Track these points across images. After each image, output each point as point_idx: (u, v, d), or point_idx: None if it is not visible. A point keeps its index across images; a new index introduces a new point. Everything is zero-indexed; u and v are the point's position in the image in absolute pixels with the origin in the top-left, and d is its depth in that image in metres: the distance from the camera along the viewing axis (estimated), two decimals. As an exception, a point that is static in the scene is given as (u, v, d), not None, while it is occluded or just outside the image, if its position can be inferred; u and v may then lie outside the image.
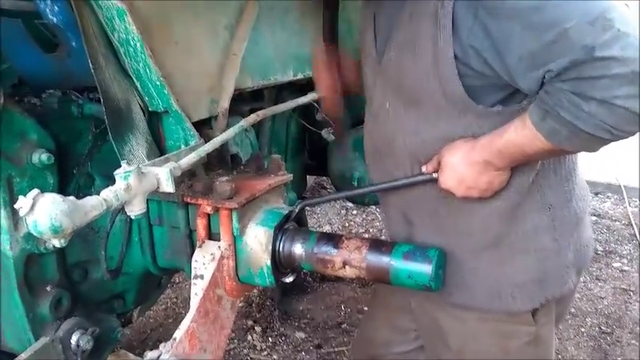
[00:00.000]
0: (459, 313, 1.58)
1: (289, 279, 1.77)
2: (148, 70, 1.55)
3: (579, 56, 1.07)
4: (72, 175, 1.81)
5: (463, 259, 1.53)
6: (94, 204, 1.25)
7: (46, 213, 1.14)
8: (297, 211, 1.74)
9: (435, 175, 1.46)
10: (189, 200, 1.66)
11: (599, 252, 4.63)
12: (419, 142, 1.47)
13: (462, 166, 1.37)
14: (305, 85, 2.73)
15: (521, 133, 1.26)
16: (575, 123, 1.14)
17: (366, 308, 3.80)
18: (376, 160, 1.69)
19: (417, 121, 1.46)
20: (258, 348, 3.42)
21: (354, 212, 5.59)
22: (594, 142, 1.18)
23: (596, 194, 5.90)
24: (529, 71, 1.18)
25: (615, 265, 4.47)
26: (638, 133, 1.14)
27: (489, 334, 1.56)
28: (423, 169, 1.47)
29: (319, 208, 5.77)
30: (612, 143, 1.18)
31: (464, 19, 1.25)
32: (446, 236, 1.53)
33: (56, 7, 1.54)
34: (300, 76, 2.40)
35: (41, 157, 1.59)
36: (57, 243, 1.21)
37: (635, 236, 4.95)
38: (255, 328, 3.56)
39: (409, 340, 1.87)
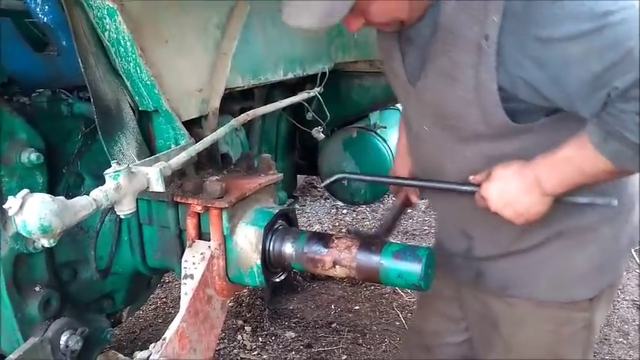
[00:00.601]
0: (513, 300, 1.58)
1: (279, 278, 1.77)
2: (138, 69, 1.54)
3: None
4: (61, 175, 1.80)
5: (523, 253, 1.52)
6: (83, 204, 1.25)
7: (35, 213, 1.14)
8: (332, 180, 1.78)
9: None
10: (179, 200, 1.66)
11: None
12: (463, 161, 1.47)
13: (511, 180, 1.34)
14: (295, 85, 2.74)
15: (579, 152, 1.25)
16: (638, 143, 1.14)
17: (357, 307, 3.81)
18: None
19: (456, 142, 1.47)
20: (248, 348, 3.42)
21: (344, 211, 5.61)
22: None
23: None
24: (592, 94, 1.17)
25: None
26: None
27: (544, 320, 1.56)
28: (471, 178, 1.44)
29: (309, 207, 5.77)
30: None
31: (511, 52, 1.24)
32: (507, 241, 1.52)
33: (46, 7, 1.54)
34: (290, 76, 2.40)
35: (30, 156, 1.59)
36: (46, 243, 1.20)
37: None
38: (245, 327, 3.56)
39: (460, 330, 1.86)
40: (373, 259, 1.56)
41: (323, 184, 1.73)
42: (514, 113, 1.32)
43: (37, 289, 1.65)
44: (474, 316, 1.75)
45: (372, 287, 4.02)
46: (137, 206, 1.46)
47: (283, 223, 1.76)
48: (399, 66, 1.55)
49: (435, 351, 1.92)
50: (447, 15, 1.33)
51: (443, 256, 1.65)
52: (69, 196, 1.24)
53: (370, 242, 1.62)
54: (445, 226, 1.75)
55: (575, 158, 1.26)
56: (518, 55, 1.23)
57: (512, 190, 1.33)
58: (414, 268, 1.51)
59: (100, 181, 1.35)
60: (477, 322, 1.77)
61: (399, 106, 4.17)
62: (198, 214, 1.65)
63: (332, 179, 1.79)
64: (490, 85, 1.29)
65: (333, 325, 3.62)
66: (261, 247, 1.64)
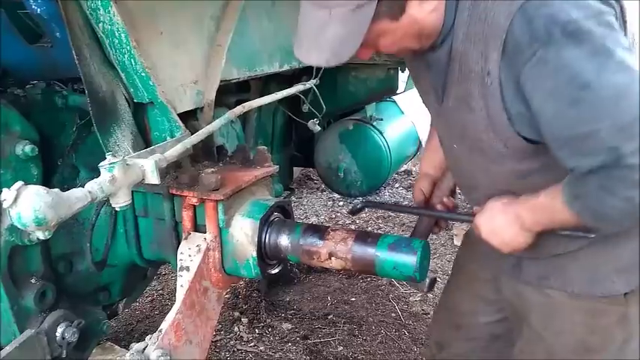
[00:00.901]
0: (549, 291, 1.60)
1: (275, 270, 1.78)
2: (133, 61, 1.54)
3: (608, 160, 1.15)
4: (56, 167, 1.80)
5: (561, 246, 1.54)
6: (78, 196, 1.25)
7: (29, 205, 1.14)
8: (357, 208, 1.88)
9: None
10: (174, 192, 1.66)
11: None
12: (495, 176, 1.52)
13: (498, 212, 1.47)
14: (291, 77, 2.73)
15: (552, 202, 1.34)
16: (600, 212, 1.24)
17: (353, 299, 3.83)
18: (469, 193, 1.73)
19: (484, 162, 1.51)
20: (244, 339, 3.42)
21: (341, 204, 5.61)
22: (610, 228, 1.38)
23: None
24: (559, 151, 1.25)
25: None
26: None
27: (578, 311, 1.58)
28: (474, 209, 1.57)
29: (306, 200, 5.78)
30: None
31: (508, 89, 1.29)
32: (548, 248, 1.56)
33: (40, -2, 1.53)
34: (286, 68, 2.40)
35: (25, 148, 1.58)
36: (41, 235, 1.20)
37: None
38: (242, 319, 3.57)
39: (493, 310, 1.88)
40: (369, 251, 1.57)
41: (348, 211, 1.84)
42: (532, 135, 1.35)
43: (33, 281, 1.66)
44: (507, 303, 1.79)
45: (368, 279, 4.02)
46: (132, 198, 1.46)
47: (279, 215, 1.77)
48: (426, 85, 1.58)
49: (464, 329, 1.95)
50: (458, 46, 1.36)
51: (481, 243, 1.68)
52: (64, 189, 1.24)
53: (366, 234, 1.63)
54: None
55: (549, 207, 1.36)
56: (514, 92, 1.28)
57: (498, 222, 1.47)
58: (409, 259, 1.51)
59: (95, 173, 1.35)
60: (509, 309, 1.81)
61: (395, 98, 4.18)
62: (194, 206, 1.65)
63: (357, 207, 1.86)
64: (500, 115, 1.34)
65: (329, 317, 3.63)
66: (257, 239, 1.64)
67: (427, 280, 1.71)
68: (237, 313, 3.62)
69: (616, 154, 1.14)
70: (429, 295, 3.82)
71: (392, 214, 5.30)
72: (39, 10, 1.55)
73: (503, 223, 1.46)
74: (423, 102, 1.70)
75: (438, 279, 1.95)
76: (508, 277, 1.72)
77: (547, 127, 1.24)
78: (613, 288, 1.52)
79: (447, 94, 1.47)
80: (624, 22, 1.30)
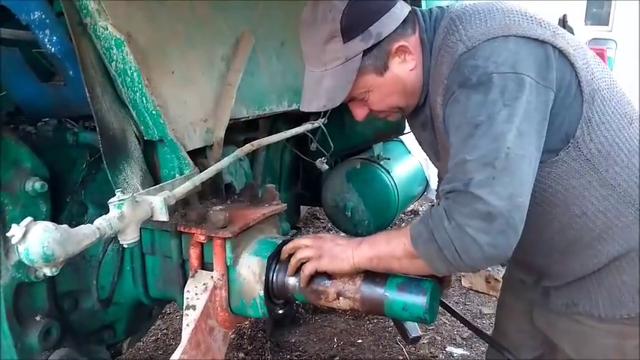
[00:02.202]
0: (578, 317, 1.63)
1: (282, 310, 1.75)
2: (144, 99, 1.56)
3: (459, 186, 1.31)
4: (65, 204, 1.80)
5: (586, 276, 1.58)
6: (86, 232, 1.25)
7: (38, 241, 1.14)
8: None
9: None
10: (182, 229, 1.65)
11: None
12: None
13: (327, 238, 1.61)
14: (299, 116, 2.75)
15: (396, 231, 1.50)
16: (434, 232, 1.34)
17: (359, 341, 3.76)
18: None
19: None
20: (249, 381, 3.37)
21: (348, 243, 5.58)
22: (440, 259, 1.36)
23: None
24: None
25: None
26: None
27: (608, 335, 1.61)
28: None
29: (312, 239, 5.74)
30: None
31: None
32: (574, 271, 1.61)
33: (54, 37, 1.56)
34: (294, 107, 2.42)
35: (35, 185, 1.59)
36: (48, 272, 1.20)
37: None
38: (247, 360, 3.52)
39: (536, 345, 1.91)
40: (377, 291, 1.55)
41: (409, 342, 1.88)
42: None
43: (38, 318, 1.64)
44: (542, 334, 1.83)
45: (375, 320, 3.97)
46: (140, 236, 1.45)
47: (287, 253, 1.75)
48: (427, 147, 1.78)
49: None
50: (430, 102, 1.58)
51: (514, 279, 1.87)
52: (72, 225, 1.24)
53: (374, 274, 1.61)
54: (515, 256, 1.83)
55: (389, 234, 1.52)
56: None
57: (325, 244, 1.58)
58: (419, 300, 1.49)
59: (104, 210, 1.35)
60: (543, 339, 1.85)
61: (402, 137, 4.20)
62: (202, 243, 1.64)
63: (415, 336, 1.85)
64: None
65: (335, 359, 3.57)
66: (264, 277, 1.63)
67: (411, 335, 1.73)
68: (241, 354, 3.57)
69: (467, 182, 1.30)
70: (437, 338, 3.76)
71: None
72: (53, 49, 1.58)
73: (328, 246, 1.56)
74: (429, 158, 1.88)
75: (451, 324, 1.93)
76: (539, 307, 1.77)
77: (450, 154, 1.42)
78: (635, 309, 1.55)
79: (439, 148, 1.66)
80: (569, 61, 1.44)
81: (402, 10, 1.51)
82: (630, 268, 1.54)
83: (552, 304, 1.68)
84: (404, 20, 1.50)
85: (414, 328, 1.71)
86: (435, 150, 1.70)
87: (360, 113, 1.63)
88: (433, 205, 1.42)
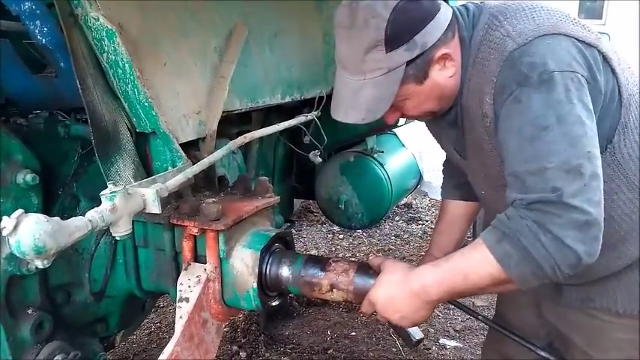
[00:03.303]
0: (593, 311, 1.62)
1: (276, 302, 1.75)
2: (136, 91, 1.55)
3: (550, 197, 1.26)
4: (57, 196, 1.79)
5: (606, 268, 1.56)
6: (78, 225, 1.24)
7: (29, 233, 1.13)
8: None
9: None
10: (175, 222, 1.64)
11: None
12: None
13: (397, 288, 1.47)
14: (293, 109, 2.75)
15: (469, 257, 1.38)
16: (529, 249, 1.27)
17: (353, 333, 3.77)
18: None
19: None
20: (243, 374, 3.37)
21: (341, 236, 5.58)
22: (535, 276, 1.30)
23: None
24: (510, 183, 1.37)
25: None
26: None
27: (624, 329, 1.60)
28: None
29: (306, 232, 5.75)
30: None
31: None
32: (587, 274, 1.53)
33: (45, 28, 1.54)
34: (288, 100, 2.41)
35: (26, 177, 1.58)
36: (40, 264, 1.19)
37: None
38: (241, 353, 3.51)
39: (540, 336, 1.89)
40: (371, 283, 1.55)
41: (412, 346, 1.82)
42: None
43: (30, 311, 1.63)
44: (551, 326, 1.81)
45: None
46: (133, 228, 1.45)
47: (280, 246, 1.75)
48: (448, 144, 1.75)
49: (514, 357, 1.97)
50: (464, 102, 1.53)
51: None
52: (64, 218, 1.23)
53: (367, 266, 1.61)
54: None
55: (464, 265, 1.38)
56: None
57: (398, 298, 1.46)
58: (411, 291, 1.49)
59: (96, 203, 1.35)
60: (553, 332, 1.83)
61: (395, 130, 4.20)
62: (195, 236, 1.64)
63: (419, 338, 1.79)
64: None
65: (329, 352, 3.57)
66: (257, 270, 1.63)
67: (415, 338, 1.72)
68: (235, 347, 3.57)
69: (558, 193, 1.25)
70: (430, 330, 3.77)
71: (392, 247, 5.28)
72: (44, 40, 1.56)
73: (404, 299, 1.45)
74: (451, 160, 1.87)
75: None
76: (549, 302, 1.75)
77: (507, 159, 1.37)
78: None
79: (466, 144, 1.62)
80: (610, 66, 1.43)
81: (446, 14, 1.44)
82: None
83: (565, 298, 1.66)
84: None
85: (415, 331, 1.70)
86: (461, 148, 1.66)
87: (392, 119, 1.57)
88: (499, 220, 1.35)
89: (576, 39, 1.38)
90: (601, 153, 1.37)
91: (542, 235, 1.25)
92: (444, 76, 1.47)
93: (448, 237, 1.95)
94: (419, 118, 1.65)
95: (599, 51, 1.40)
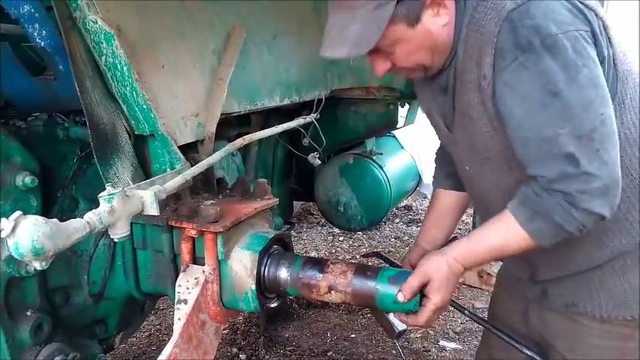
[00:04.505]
0: (577, 316, 1.60)
1: (274, 304, 1.76)
2: (134, 93, 1.55)
3: (568, 171, 1.28)
4: (56, 198, 1.80)
5: (587, 272, 1.56)
6: (77, 226, 1.24)
7: (27, 235, 1.13)
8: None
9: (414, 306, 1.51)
10: (173, 224, 1.65)
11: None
12: (504, 190, 1.52)
13: (449, 284, 1.50)
14: (292, 111, 2.75)
15: (502, 235, 1.43)
16: (564, 226, 1.32)
17: (353, 335, 3.77)
18: (484, 213, 1.74)
19: (494, 174, 1.56)
20: (242, 376, 3.37)
21: (341, 238, 5.59)
22: (562, 238, 1.37)
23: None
24: (522, 153, 1.37)
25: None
26: None
27: (608, 335, 1.57)
28: (400, 297, 1.50)
29: (306, 234, 5.75)
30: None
31: (498, 88, 1.37)
32: (569, 264, 1.58)
33: (44, 31, 1.55)
34: (287, 102, 2.42)
35: (25, 179, 1.58)
36: (38, 265, 1.19)
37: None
38: (240, 355, 3.51)
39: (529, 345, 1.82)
40: (369, 285, 1.55)
41: (394, 337, 1.82)
42: None
43: (29, 313, 1.64)
44: (536, 333, 1.78)
45: (369, 315, 3.98)
46: (131, 230, 1.45)
47: (279, 247, 1.76)
48: (437, 117, 1.68)
49: None
50: (459, 65, 1.46)
51: (509, 277, 1.84)
52: (63, 220, 1.23)
53: (366, 268, 1.61)
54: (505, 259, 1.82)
55: (498, 241, 1.44)
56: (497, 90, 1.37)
57: (450, 289, 1.51)
58: (409, 293, 1.49)
59: (95, 205, 1.35)
60: (537, 339, 1.80)
61: (394, 132, 4.21)
62: (193, 238, 1.64)
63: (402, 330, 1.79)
64: (499, 116, 1.40)
65: (329, 354, 3.57)
66: (255, 271, 1.63)
67: (398, 329, 1.72)
68: (235, 349, 3.57)
69: (572, 161, 1.26)
70: (430, 332, 3.77)
71: (392, 249, 5.28)
72: (43, 43, 1.57)
73: (452, 288, 1.51)
74: (439, 138, 1.78)
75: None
76: (534, 305, 1.73)
77: (515, 128, 1.35)
78: (637, 310, 1.52)
79: (455, 113, 1.55)
80: (607, 35, 1.39)
81: None
82: (635, 267, 1.51)
83: (550, 302, 1.65)
84: None
85: (398, 322, 1.69)
86: (449, 118, 1.60)
87: (381, 68, 1.52)
88: (527, 196, 1.37)
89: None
90: None
91: (574, 211, 1.30)
92: (436, 24, 1.42)
93: (437, 228, 1.89)
94: (410, 73, 1.58)
95: (597, 15, 1.36)
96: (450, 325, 3.90)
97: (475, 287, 4.48)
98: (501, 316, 1.94)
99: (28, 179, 1.59)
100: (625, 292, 1.53)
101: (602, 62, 1.35)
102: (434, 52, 1.47)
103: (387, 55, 1.47)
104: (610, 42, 1.40)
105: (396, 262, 1.96)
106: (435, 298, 1.48)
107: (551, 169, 1.30)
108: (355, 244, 5.48)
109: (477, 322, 1.80)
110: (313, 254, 5.20)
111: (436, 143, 1.88)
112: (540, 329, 1.74)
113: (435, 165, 1.99)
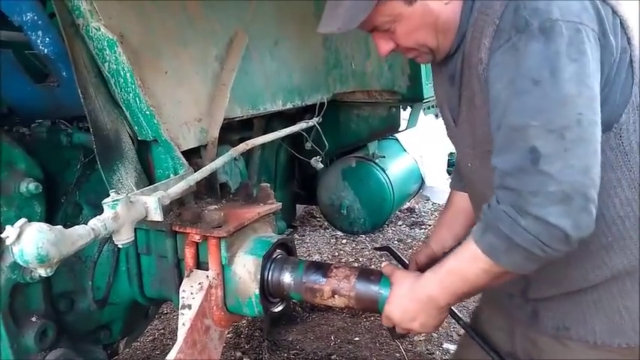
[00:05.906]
0: (568, 341, 1.50)
1: (278, 308, 1.76)
2: (137, 99, 1.56)
3: (524, 164, 1.15)
4: (60, 204, 1.80)
5: (580, 293, 1.46)
6: (81, 233, 1.25)
7: (32, 242, 1.14)
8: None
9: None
10: (177, 229, 1.65)
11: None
12: None
13: (407, 300, 1.44)
14: (294, 115, 2.76)
15: (461, 257, 1.31)
16: (512, 237, 1.18)
17: (357, 339, 3.77)
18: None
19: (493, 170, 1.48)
20: (246, 380, 3.37)
21: (344, 241, 5.58)
22: (529, 260, 1.21)
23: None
24: (494, 139, 1.25)
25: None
26: None
27: None
28: None
29: (309, 237, 5.75)
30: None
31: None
32: (564, 281, 1.47)
33: (47, 38, 1.56)
34: (289, 106, 2.42)
35: (29, 186, 1.59)
36: (43, 272, 1.20)
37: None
38: (244, 359, 3.51)
39: None
40: (372, 289, 1.55)
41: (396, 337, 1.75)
42: None
43: (34, 319, 1.64)
44: (521, 353, 1.69)
45: (372, 318, 3.98)
46: (135, 236, 1.45)
47: (282, 252, 1.76)
48: (446, 111, 1.60)
49: None
50: (466, 49, 1.38)
51: (498, 292, 1.67)
52: (67, 226, 1.24)
53: (369, 272, 1.61)
54: None
55: (458, 265, 1.32)
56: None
57: (410, 309, 1.43)
58: (413, 297, 1.49)
59: (99, 210, 1.35)
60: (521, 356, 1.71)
61: (397, 136, 4.21)
62: (197, 243, 1.64)
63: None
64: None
65: (332, 357, 3.57)
66: (259, 276, 1.63)
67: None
68: (239, 353, 3.57)
69: (533, 156, 1.14)
70: (434, 335, 3.76)
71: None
72: (46, 50, 1.58)
73: (416, 309, 1.42)
74: (446, 130, 1.70)
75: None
76: (523, 327, 1.62)
77: (495, 112, 1.25)
78: (633, 338, 1.43)
79: (461, 103, 1.48)
80: (627, 35, 1.31)
81: None
82: (634, 291, 1.40)
83: (541, 325, 1.54)
84: None
85: None
86: (456, 110, 1.52)
87: (384, 47, 1.44)
88: (483, 210, 1.26)
89: None
90: (605, 132, 1.25)
91: (521, 220, 1.16)
92: (438, 1, 1.35)
93: (449, 230, 1.86)
94: (417, 56, 1.50)
95: (615, 13, 1.27)
96: (453, 327, 3.89)
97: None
98: (485, 332, 1.82)
99: (32, 186, 1.60)
100: (621, 317, 1.42)
101: (615, 60, 1.27)
102: (437, 32, 1.40)
103: (389, 34, 1.41)
104: (630, 42, 1.30)
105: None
106: (387, 310, 1.48)
107: (509, 160, 1.19)
108: (358, 247, 5.47)
109: (472, 337, 1.76)
110: (316, 257, 5.20)
111: (438, 146, 1.87)
112: (528, 350, 1.64)
113: (454, 167, 1.95)
